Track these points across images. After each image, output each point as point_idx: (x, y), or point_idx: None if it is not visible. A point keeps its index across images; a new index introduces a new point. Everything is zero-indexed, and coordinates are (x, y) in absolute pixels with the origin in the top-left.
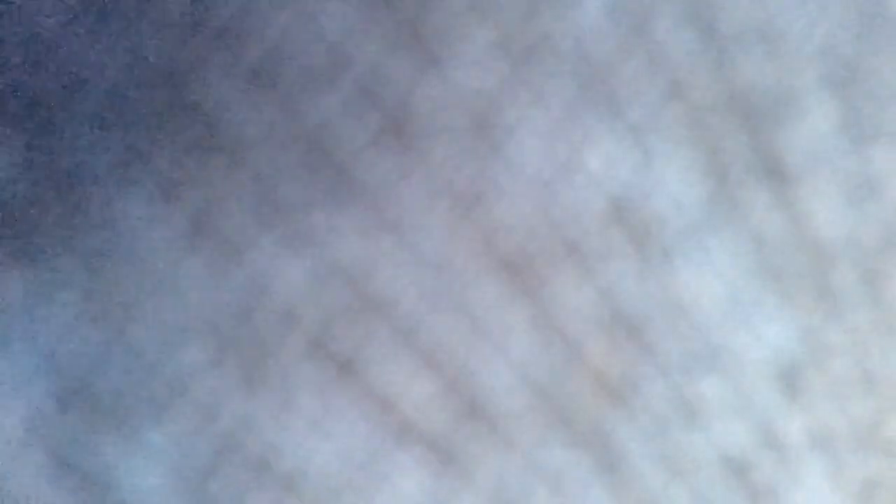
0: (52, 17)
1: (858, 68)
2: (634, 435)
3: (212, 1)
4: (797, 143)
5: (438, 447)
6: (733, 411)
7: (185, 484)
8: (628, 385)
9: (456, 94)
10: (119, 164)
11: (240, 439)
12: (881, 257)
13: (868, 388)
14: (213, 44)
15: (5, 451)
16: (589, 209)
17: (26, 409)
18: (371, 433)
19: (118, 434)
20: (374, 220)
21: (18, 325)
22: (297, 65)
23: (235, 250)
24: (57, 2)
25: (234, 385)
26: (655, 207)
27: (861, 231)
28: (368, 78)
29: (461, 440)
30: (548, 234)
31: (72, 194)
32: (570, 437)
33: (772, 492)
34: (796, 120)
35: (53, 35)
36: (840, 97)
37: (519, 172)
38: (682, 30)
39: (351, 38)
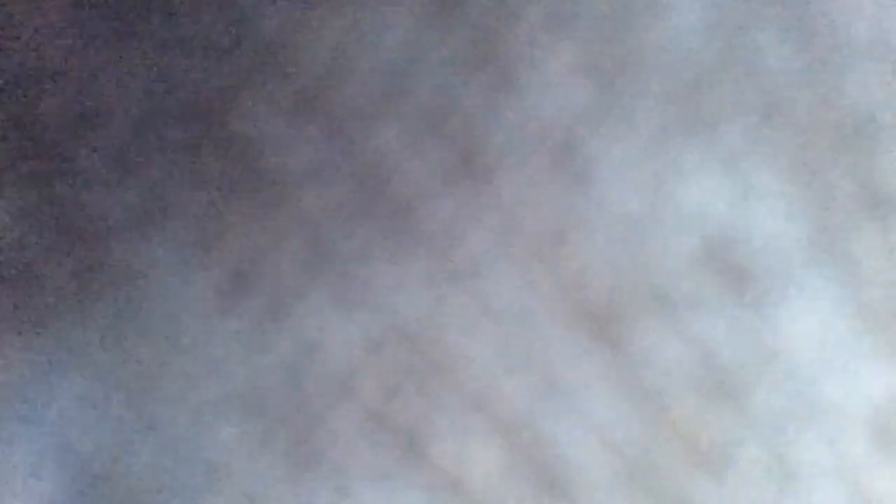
0: (61, 39)
1: None
2: None
3: (252, 16)
4: None
5: None
6: (829, 472)
7: None
8: (720, 448)
9: (533, 122)
10: (143, 210)
11: None
12: None
13: None
14: (254, 66)
15: None
16: (680, 250)
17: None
18: None
19: None
20: (440, 270)
21: (23, 406)
22: (352, 90)
23: (281, 308)
24: (66, 22)
25: (280, 469)
26: (752, 246)
27: None
28: (433, 104)
29: None
30: (634, 280)
31: (86, 247)
32: None
33: None
34: None
35: (63, 60)
36: None
37: (603, 209)
38: (783, 44)
39: (414, 59)
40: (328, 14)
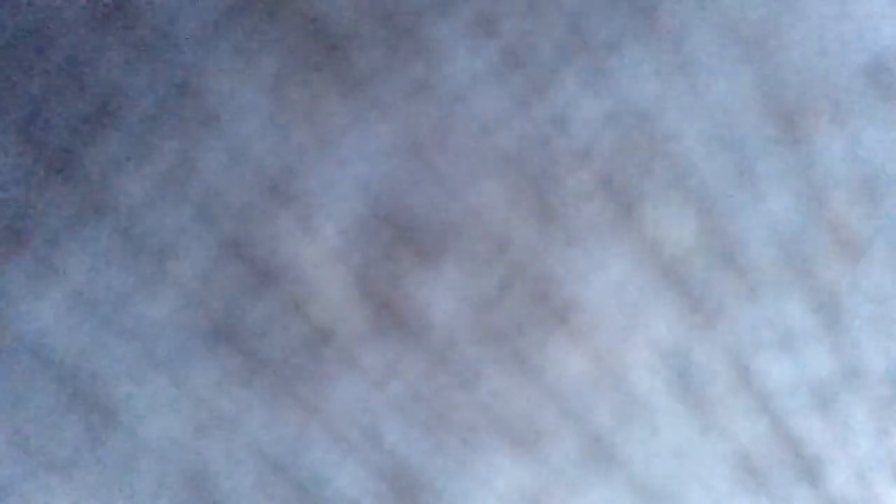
0: None
1: None
2: (859, 296)
3: None
4: None
5: (691, 294)
6: None
7: (472, 314)
8: (861, 245)
9: None
10: None
11: (526, 271)
12: None
13: None
14: None
15: (316, 267)
16: (853, 63)
17: (337, 229)
18: (637, 273)
19: (417, 261)
20: (670, 61)
21: (336, 149)
22: None
23: (540, 85)
24: None
25: (526, 217)
26: None
27: None
28: None
29: (711, 288)
30: (816, 86)
31: (394, 23)
32: (806, 294)
33: None
34: None
35: None
36: None
37: (801, 18)
38: None
39: None
40: None
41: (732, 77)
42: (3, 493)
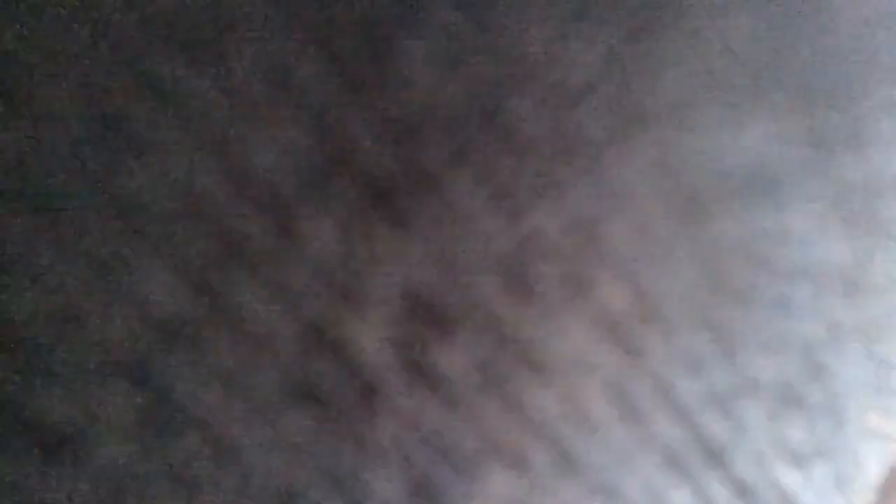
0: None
1: None
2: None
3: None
4: None
5: (626, 343)
6: None
7: (476, 370)
8: None
9: None
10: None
11: (512, 337)
12: None
13: None
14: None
15: (365, 342)
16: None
17: (385, 315)
18: (589, 333)
19: (439, 333)
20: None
21: (385, 266)
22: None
23: (521, 210)
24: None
25: (512, 301)
26: None
27: None
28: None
29: (640, 337)
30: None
31: (422, 174)
32: (709, 345)
33: None
34: None
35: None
36: None
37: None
38: None
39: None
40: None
41: None
42: None
